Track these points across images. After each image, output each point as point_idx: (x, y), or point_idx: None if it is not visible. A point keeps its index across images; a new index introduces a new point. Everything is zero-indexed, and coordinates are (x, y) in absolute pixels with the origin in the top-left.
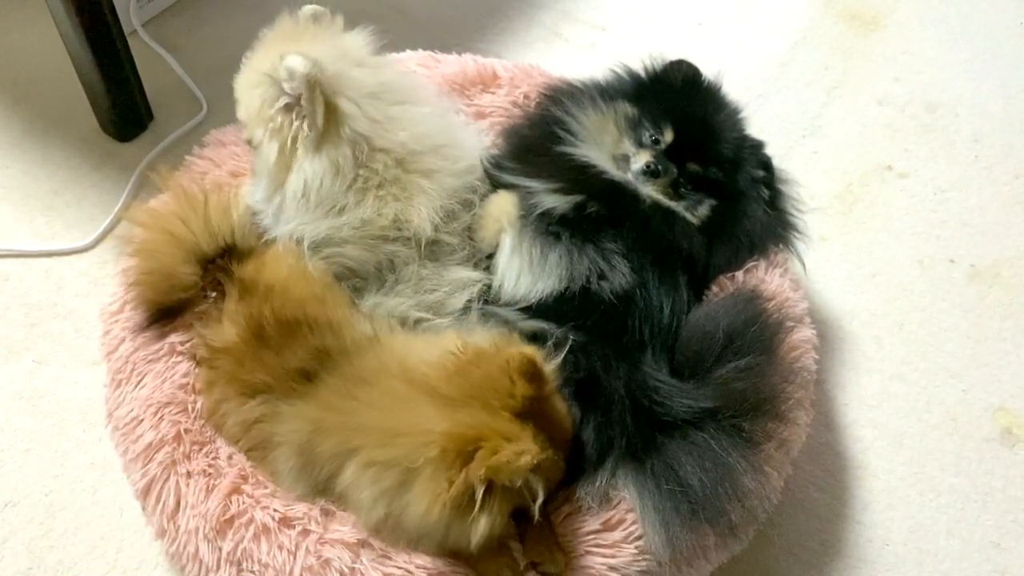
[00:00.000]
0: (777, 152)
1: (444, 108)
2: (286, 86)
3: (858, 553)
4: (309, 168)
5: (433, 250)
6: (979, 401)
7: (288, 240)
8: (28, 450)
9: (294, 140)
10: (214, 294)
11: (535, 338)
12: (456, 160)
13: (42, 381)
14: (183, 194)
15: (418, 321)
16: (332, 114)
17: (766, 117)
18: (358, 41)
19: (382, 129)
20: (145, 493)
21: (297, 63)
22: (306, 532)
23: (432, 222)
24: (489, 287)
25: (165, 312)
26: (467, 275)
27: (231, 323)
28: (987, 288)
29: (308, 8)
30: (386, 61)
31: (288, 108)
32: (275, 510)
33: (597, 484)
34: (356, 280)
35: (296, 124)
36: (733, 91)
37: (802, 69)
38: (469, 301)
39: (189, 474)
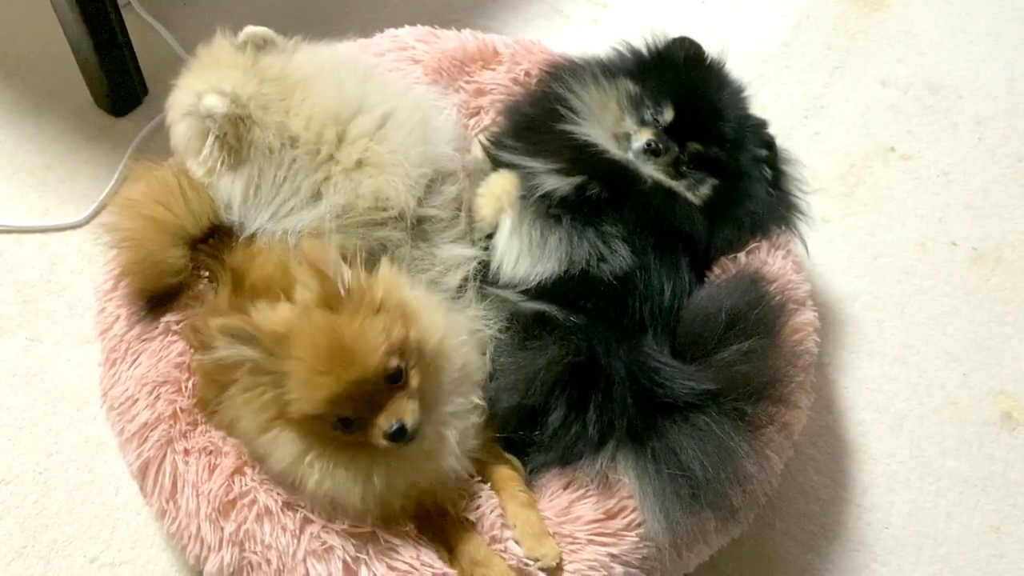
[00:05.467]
0: (779, 133)
1: (384, 81)
2: (211, 124)
3: (857, 536)
4: (233, 182)
5: (424, 228)
6: (980, 385)
7: (273, 235)
8: (22, 428)
9: (221, 163)
10: (207, 273)
11: (537, 319)
12: (410, 125)
13: (35, 359)
14: (157, 179)
15: None
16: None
17: (768, 97)
18: (271, 59)
19: (295, 116)
20: (142, 473)
21: (216, 104)
22: (308, 520)
23: (413, 194)
24: (486, 264)
25: (159, 299)
26: (461, 252)
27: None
28: (989, 271)
29: (247, 31)
30: (306, 53)
31: (218, 140)
32: (279, 493)
33: (597, 466)
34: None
35: (223, 153)
36: (735, 70)
37: (805, 49)
38: (464, 279)
39: (187, 451)
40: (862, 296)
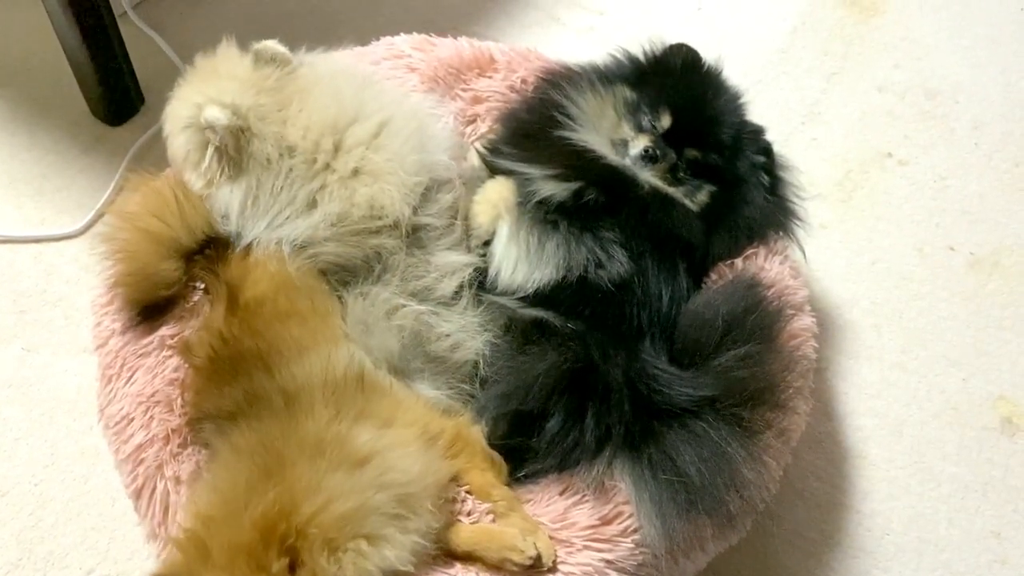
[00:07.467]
0: (776, 139)
1: (381, 90)
2: (211, 136)
3: (858, 543)
4: (231, 193)
5: (419, 236)
6: (979, 390)
7: (268, 245)
8: (17, 439)
9: (220, 174)
10: (203, 285)
11: (535, 326)
12: (405, 133)
13: (31, 369)
14: (152, 190)
15: (399, 307)
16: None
17: (765, 103)
18: (268, 69)
19: (292, 127)
20: (137, 496)
21: (217, 116)
22: None
23: (408, 203)
24: (482, 271)
25: (152, 310)
26: (456, 259)
27: (209, 335)
28: (987, 276)
29: (259, 45)
30: (304, 63)
31: (217, 152)
32: None
33: (594, 472)
34: (344, 274)
35: (223, 165)
36: (732, 77)
37: (801, 55)
38: (460, 286)
39: (178, 479)
40: (860, 302)
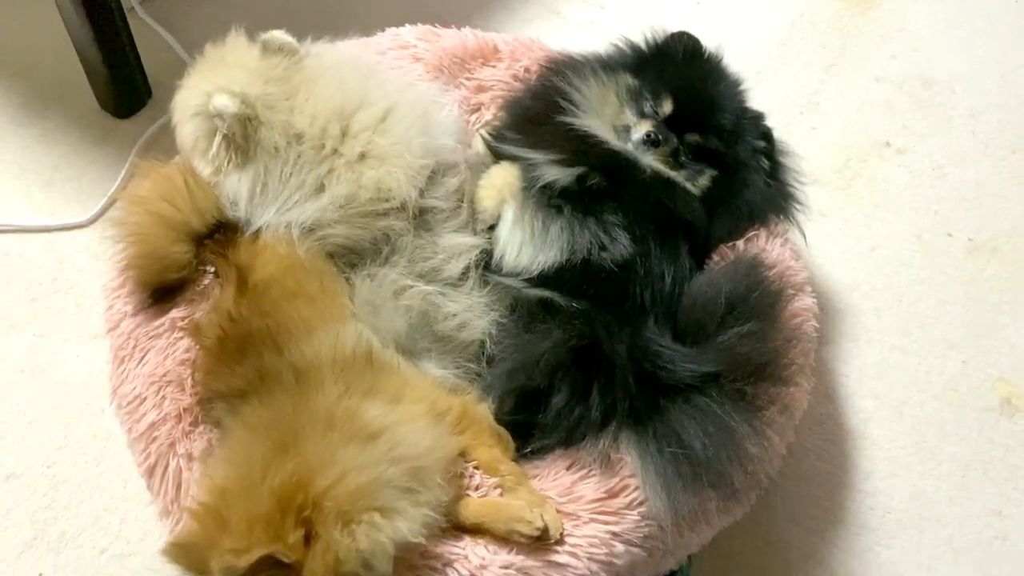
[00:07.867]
0: (776, 129)
1: (386, 78)
2: (219, 123)
3: (860, 520)
4: (239, 181)
5: (426, 219)
6: (978, 372)
7: (277, 229)
8: (31, 423)
9: (228, 162)
10: (213, 269)
11: (541, 305)
12: (411, 118)
13: (43, 355)
14: (163, 176)
15: (407, 288)
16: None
17: (764, 94)
18: (276, 59)
19: (300, 115)
20: (150, 473)
21: (226, 104)
22: None
23: (415, 185)
24: (488, 252)
25: (163, 293)
26: (463, 240)
27: (218, 317)
28: (985, 262)
29: (267, 35)
30: (311, 53)
31: (225, 139)
32: None
33: (600, 447)
34: (352, 256)
35: (230, 152)
36: (731, 69)
37: (800, 47)
38: (466, 267)
39: (190, 456)
40: (860, 287)
